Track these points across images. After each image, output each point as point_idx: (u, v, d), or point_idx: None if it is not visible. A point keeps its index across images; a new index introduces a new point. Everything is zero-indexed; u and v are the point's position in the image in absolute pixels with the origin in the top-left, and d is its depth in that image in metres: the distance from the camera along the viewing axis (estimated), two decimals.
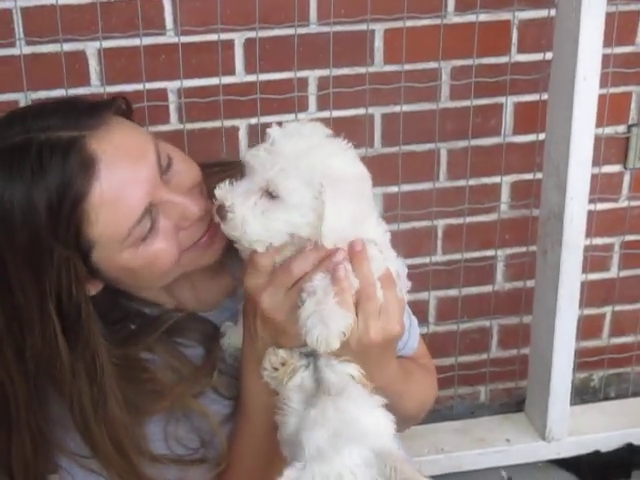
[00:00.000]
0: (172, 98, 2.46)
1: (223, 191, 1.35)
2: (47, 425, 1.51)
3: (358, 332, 1.34)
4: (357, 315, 1.34)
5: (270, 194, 1.32)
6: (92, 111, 1.43)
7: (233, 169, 1.69)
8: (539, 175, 2.64)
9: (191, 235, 1.48)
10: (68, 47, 2.33)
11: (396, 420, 1.58)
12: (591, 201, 2.57)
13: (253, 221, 1.33)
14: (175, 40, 2.39)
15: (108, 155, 1.38)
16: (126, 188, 1.39)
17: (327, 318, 1.29)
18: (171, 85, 2.44)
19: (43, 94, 2.36)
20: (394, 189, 2.64)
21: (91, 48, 2.36)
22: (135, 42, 2.36)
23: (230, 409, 1.54)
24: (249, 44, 2.44)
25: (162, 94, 2.45)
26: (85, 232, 1.39)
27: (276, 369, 1.38)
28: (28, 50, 2.33)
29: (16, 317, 1.43)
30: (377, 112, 2.59)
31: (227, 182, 1.36)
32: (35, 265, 1.39)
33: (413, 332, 1.71)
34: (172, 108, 2.47)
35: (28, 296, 1.40)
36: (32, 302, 1.41)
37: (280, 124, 1.37)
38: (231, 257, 1.54)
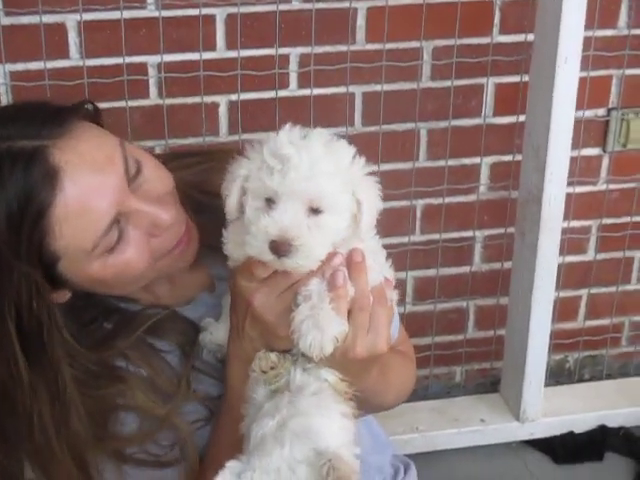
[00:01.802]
0: (152, 73, 2.44)
1: (274, 227, 1.25)
2: (6, 456, 1.43)
3: (345, 344, 1.31)
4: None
5: (315, 211, 1.28)
6: (56, 118, 1.37)
7: (208, 161, 1.64)
8: (519, 157, 2.64)
9: (164, 242, 1.43)
10: (48, 19, 2.30)
11: (373, 409, 1.58)
12: (570, 184, 2.57)
13: (317, 243, 1.28)
14: (156, 14, 2.36)
15: (72, 165, 1.33)
16: (91, 199, 1.33)
17: (322, 323, 1.27)
18: (151, 59, 2.42)
19: (21, 66, 2.34)
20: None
21: (71, 20, 2.34)
22: (116, 15, 2.33)
23: (205, 408, 1.50)
24: (230, 20, 2.42)
25: (142, 68, 2.43)
26: (48, 246, 1.34)
27: (264, 372, 1.36)
28: (7, 21, 2.30)
29: None
30: (358, 91, 2.57)
31: (264, 215, 1.27)
32: None
33: (394, 319, 1.67)
34: (152, 83, 2.45)
35: None
36: None
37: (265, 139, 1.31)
38: (206, 252, 1.51)
